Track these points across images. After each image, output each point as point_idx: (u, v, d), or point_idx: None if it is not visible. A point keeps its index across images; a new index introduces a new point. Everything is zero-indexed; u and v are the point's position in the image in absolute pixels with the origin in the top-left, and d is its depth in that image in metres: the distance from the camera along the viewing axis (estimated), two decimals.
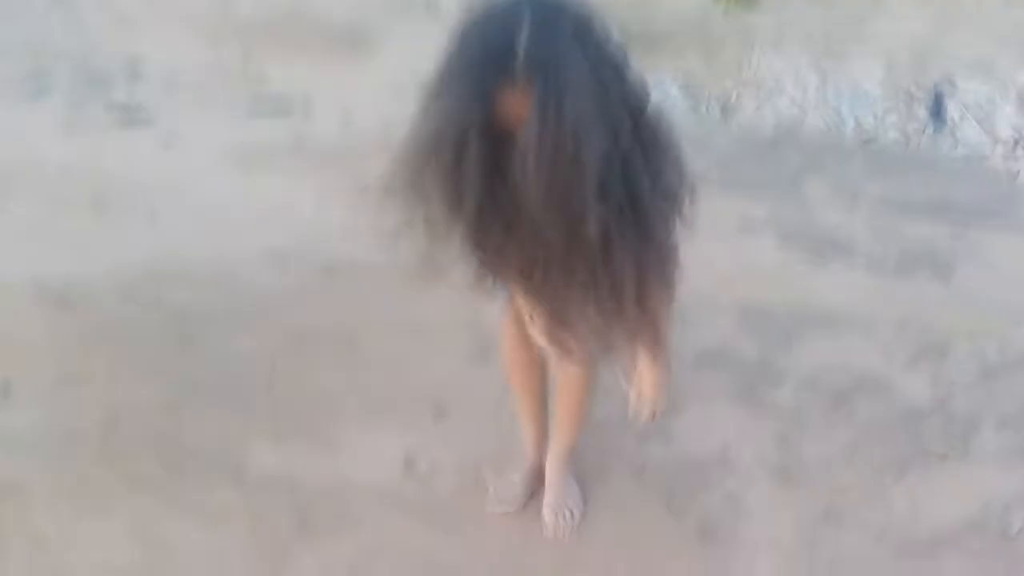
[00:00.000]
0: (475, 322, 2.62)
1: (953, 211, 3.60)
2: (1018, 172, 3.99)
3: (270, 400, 2.53)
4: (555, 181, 1.27)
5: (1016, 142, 4.20)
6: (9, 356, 2.65)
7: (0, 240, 3.34)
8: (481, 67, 1.23)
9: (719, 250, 3.31)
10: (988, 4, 5.68)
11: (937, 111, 4.55)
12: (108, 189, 3.82)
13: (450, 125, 1.24)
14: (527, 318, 1.75)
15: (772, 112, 4.72)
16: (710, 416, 2.48)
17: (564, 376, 1.94)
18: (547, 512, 2.13)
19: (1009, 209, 3.64)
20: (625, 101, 1.32)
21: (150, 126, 4.55)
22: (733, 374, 2.65)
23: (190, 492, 2.22)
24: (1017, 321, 2.87)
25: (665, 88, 5.14)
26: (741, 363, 2.69)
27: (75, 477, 2.26)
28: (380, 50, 5.64)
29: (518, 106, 1.23)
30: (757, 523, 2.15)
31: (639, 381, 1.79)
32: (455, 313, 2.70)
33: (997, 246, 3.35)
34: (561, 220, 1.31)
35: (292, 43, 5.68)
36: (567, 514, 2.13)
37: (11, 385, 2.56)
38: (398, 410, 2.48)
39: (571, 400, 2.00)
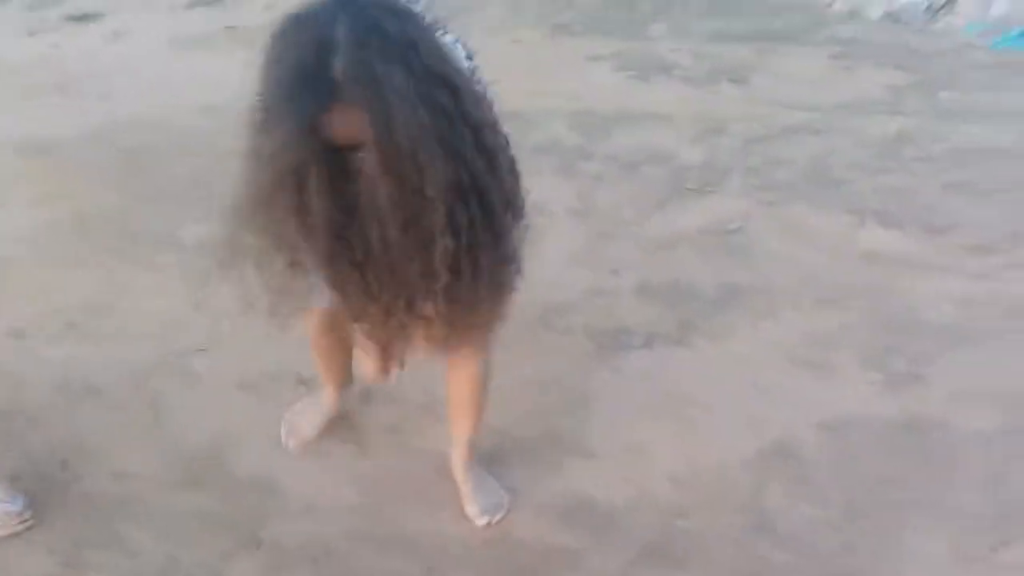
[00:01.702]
0: None
1: (765, 37, 4.37)
2: (832, 3, 4.73)
3: (199, 195, 3.30)
4: (403, 208, 1.22)
5: None
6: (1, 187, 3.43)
7: None
8: (300, 95, 1.13)
9: (567, 77, 4.10)
10: None
11: None
12: (68, 75, 4.53)
13: (284, 163, 1.18)
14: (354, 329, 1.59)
15: None
16: (534, 185, 3.27)
17: (456, 370, 1.75)
18: (476, 518, 1.93)
19: (812, 32, 4.41)
20: (464, 116, 1.20)
21: (101, 24, 5.24)
22: (558, 157, 3.44)
23: (142, 255, 2.99)
24: (787, 109, 3.66)
25: None
26: (565, 149, 3.49)
27: (56, 251, 3.04)
28: None
29: (352, 124, 1.15)
30: (555, 242, 2.94)
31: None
32: None
33: (792, 60, 4.13)
34: (412, 243, 1.27)
35: None
36: (495, 512, 1.94)
37: (4, 202, 3.33)
38: None
39: (467, 392, 1.79)
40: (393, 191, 1.19)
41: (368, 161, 1.18)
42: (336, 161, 1.20)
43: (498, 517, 1.93)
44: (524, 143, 3.48)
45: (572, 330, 2.58)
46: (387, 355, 1.56)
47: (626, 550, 1.92)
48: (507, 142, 1.37)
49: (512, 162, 1.39)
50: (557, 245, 2.95)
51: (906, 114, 3.61)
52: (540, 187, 3.25)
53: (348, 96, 1.11)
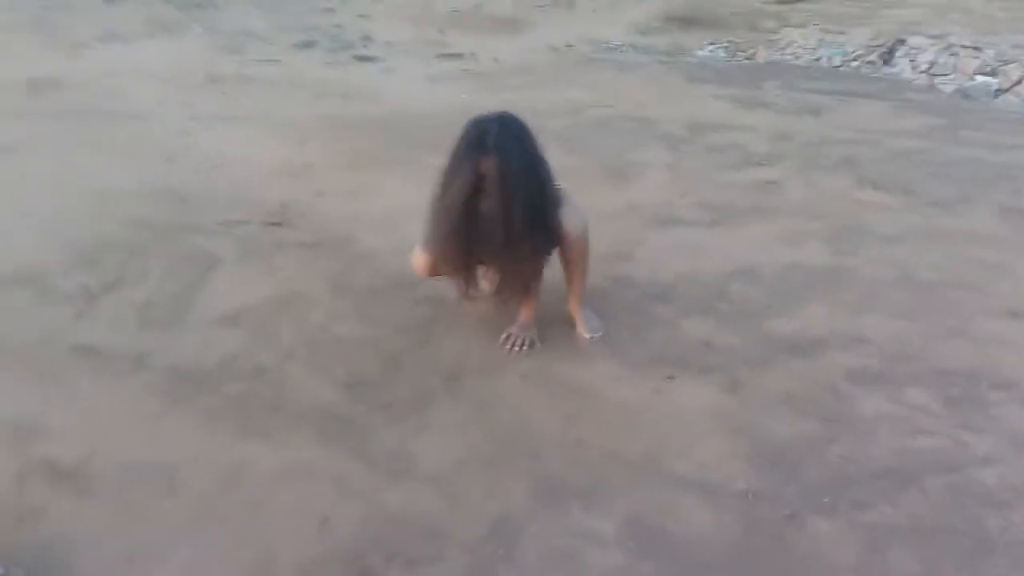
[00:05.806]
0: None
1: (851, 94, 5.79)
2: (915, 80, 6.09)
3: (430, 146, 5.10)
4: (503, 212, 2.50)
5: (928, 67, 6.30)
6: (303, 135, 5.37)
7: (291, 105, 6.15)
8: (472, 152, 2.46)
9: (691, 105, 5.70)
10: (975, 4, 7.70)
11: (889, 55, 6.70)
12: (349, 88, 6.56)
13: (464, 181, 2.48)
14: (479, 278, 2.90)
15: (775, 57, 7.01)
16: (647, 154, 4.85)
17: (567, 251, 2.82)
18: (585, 334, 2.98)
19: (889, 94, 5.79)
20: (539, 177, 2.56)
21: (376, 64, 7.34)
22: (667, 141, 4.98)
23: (390, 170, 4.77)
24: (841, 131, 5.07)
25: (714, 49, 7.51)
26: (673, 138, 5.03)
27: (338, 164, 4.86)
28: (526, 31, 8.32)
29: (489, 168, 2.44)
30: (650, 180, 4.45)
31: (520, 317, 2.95)
32: None
33: (862, 107, 5.54)
34: (504, 231, 2.54)
35: (469, 26, 8.45)
36: (597, 332, 2.99)
37: (304, 142, 5.24)
38: None
39: (576, 264, 2.88)
40: (500, 201, 2.50)
41: (490, 185, 2.50)
42: (478, 184, 2.52)
43: (598, 335, 2.99)
44: (648, 134, 5.19)
45: (641, 216, 4.06)
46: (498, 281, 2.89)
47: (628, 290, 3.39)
48: (553, 186, 2.68)
49: (556, 193, 2.70)
50: (650, 181, 4.48)
51: (928, 140, 4.93)
52: (650, 155, 4.85)
53: (491, 154, 2.46)
